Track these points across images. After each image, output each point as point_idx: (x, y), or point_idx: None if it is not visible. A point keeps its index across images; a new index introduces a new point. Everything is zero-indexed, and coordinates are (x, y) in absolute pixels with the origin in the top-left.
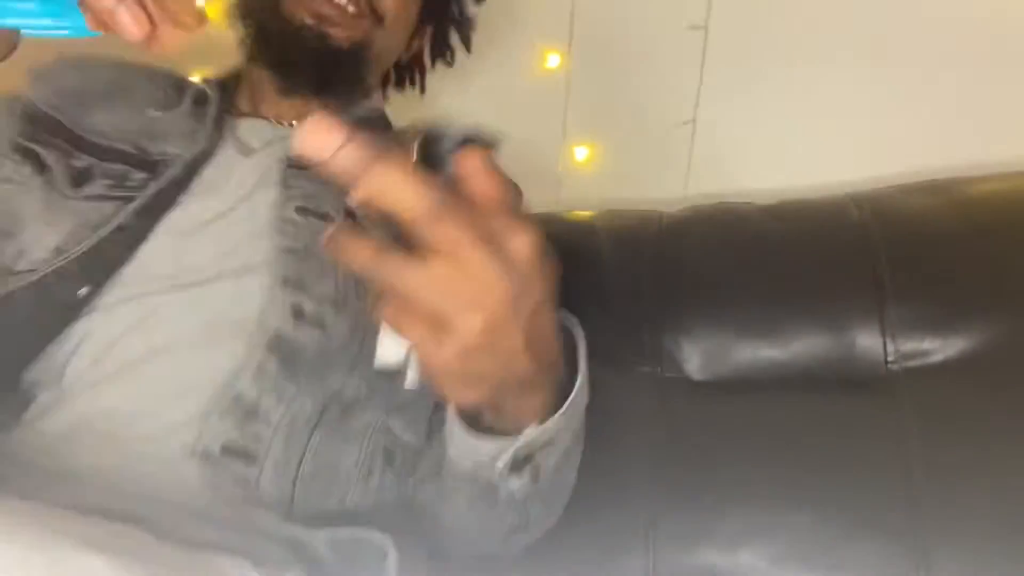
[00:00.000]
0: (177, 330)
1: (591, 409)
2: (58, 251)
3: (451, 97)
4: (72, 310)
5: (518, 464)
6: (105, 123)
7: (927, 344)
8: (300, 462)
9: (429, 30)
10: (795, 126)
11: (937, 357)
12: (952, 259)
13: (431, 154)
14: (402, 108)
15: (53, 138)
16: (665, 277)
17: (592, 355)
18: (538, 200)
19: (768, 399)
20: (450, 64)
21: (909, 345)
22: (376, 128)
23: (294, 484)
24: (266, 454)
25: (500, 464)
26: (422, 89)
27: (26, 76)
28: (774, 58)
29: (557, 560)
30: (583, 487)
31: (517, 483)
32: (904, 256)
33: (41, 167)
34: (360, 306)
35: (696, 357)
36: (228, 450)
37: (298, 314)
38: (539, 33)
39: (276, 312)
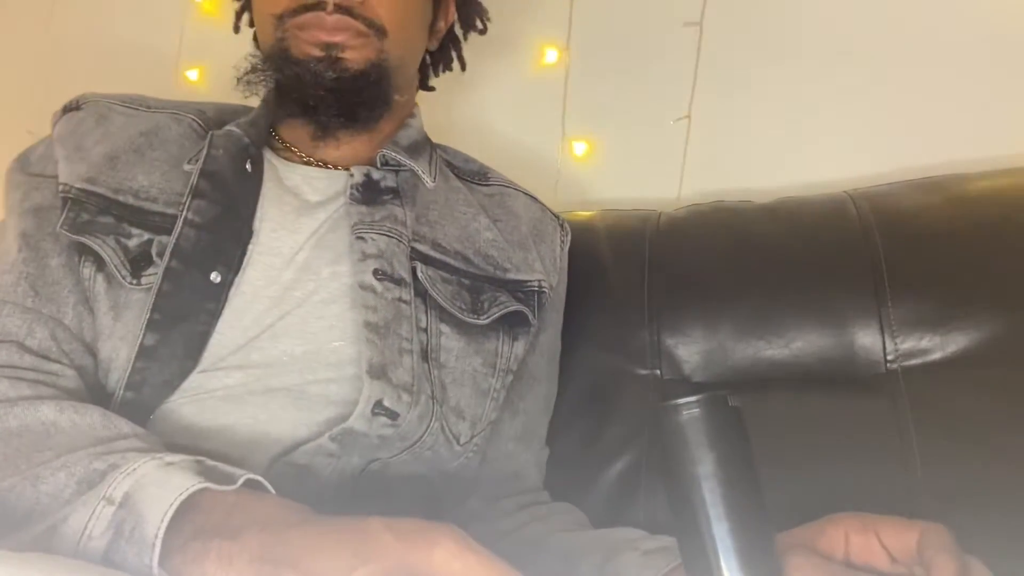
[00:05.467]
0: (256, 410)
1: (591, 411)
2: (128, 361)
3: (450, 93)
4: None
5: None
6: (148, 184)
7: (926, 342)
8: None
9: (452, 5)
10: (790, 123)
11: (936, 355)
12: (950, 256)
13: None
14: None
15: (100, 218)
16: (664, 278)
17: (593, 357)
18: (536, 194)
19: (768, 399)
20: (483, 31)
21: (908, 343)
22: (422, 152)
23: None
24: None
25: None
26: (462, 66)
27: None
28: (769, 55)
29: None
30: (583, 489)
31: None
32: (903, 254)
33: (99, 262)
34: (429, 390)
35: (695, 357)
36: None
37: (376, 410)
38: (538, 28)
39: (358, 410)
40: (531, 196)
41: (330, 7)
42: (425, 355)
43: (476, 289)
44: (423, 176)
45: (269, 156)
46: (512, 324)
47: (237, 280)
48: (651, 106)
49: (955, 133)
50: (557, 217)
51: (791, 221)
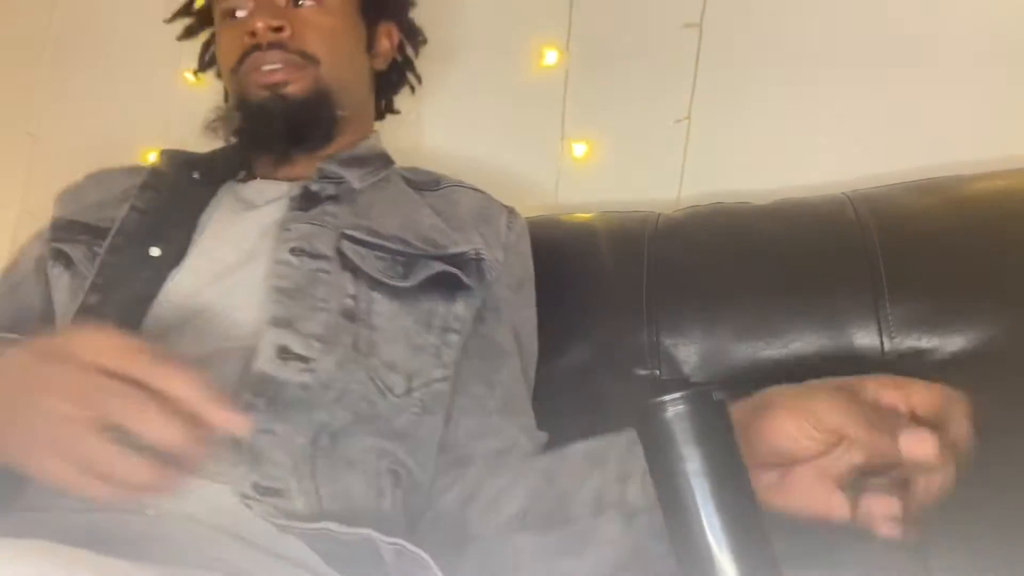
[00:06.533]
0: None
1: (588, 410)
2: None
3: (450, 94)
4: None
5: None
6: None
7: (925, 343)
8: (317, 491)
9: (392, 25)
10: (790, 124)
11: (935, 356)
12: (949, 258)
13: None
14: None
15: (78, 235)
16: (663, 278)
17: (590, 357)
18: (536, 195)
19: None
20: (423, 42)
21: (907, 344)
22: (378, 166)
23: (322, 511)
24: (289, 489)
25: None
26: (418, 79)
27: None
28: (769, 55)
29: None
30: None
31: None
32: (901, 255)
33: (68, 262)
34: (349, 341)
35: (694, 358)
36: (260, 489)
37: (283, 354)
38: (537, 29)
39: (263, 354)
40: (480, 191)
41: (265, 46)
42: (352, 316)
43: (410, 263)
44: (349, 179)
45: (231, 184)
46: (449, 286)
47: (179, 261)
48: (651, 106)
49: (955, 133)
50: (505, 206)
51: (790, 222)
